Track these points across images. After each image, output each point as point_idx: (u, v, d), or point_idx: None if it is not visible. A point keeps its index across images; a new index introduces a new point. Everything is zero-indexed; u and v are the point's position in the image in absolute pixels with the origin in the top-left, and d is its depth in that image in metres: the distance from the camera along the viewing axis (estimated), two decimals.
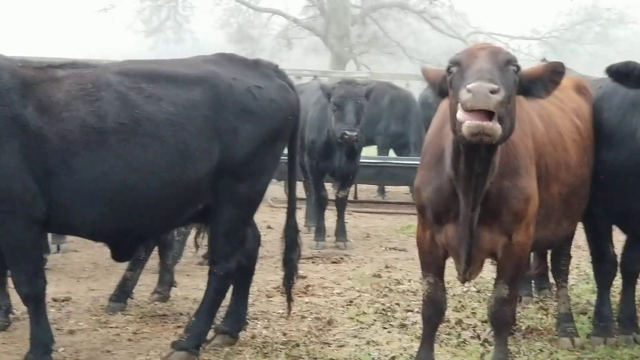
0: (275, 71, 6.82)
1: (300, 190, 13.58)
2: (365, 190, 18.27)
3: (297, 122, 6.92)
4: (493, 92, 4.75)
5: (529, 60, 32.04)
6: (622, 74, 6.57)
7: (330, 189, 12.80)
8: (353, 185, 14.74)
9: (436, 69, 5.63)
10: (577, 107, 6.91)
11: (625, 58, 6.72)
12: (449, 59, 5.25)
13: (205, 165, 6.26)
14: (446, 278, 6.12)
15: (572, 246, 7.61)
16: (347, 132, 10.89)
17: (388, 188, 18.02)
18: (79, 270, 9.76)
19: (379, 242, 12.32)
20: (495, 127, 4.78)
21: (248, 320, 7.25)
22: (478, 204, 5.46)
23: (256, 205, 6.77)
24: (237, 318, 6.99)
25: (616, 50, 38.38)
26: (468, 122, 4.77)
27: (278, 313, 7.84)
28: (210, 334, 6.83)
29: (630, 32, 45.24)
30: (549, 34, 44.90)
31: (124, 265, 8.01)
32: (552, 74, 5.38)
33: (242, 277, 6.94)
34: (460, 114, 4.83)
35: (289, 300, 7.20)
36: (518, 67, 5.19)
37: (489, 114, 4.77)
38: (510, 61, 5.13)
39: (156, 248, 8.38)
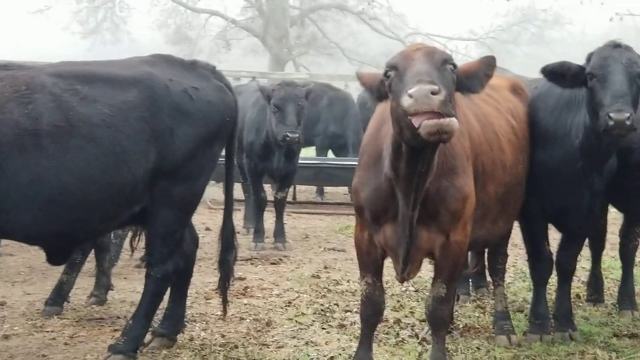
0: (212, 72, 6.77)
1: (239, 192, 13.59)
2: (304, 191, 18.26)
3: (235, 124, 6.87)
4: (434, 93, 4.74)
5: (467, 61, 32.27)
6: (557, 74, 6.66)
7: (269, 190, 12.77)
8: (292, 187, 14.77)
9: (371, 73, 5.62)
10: (513, 108, 6.98)
11: (561, 59, 6.82)
12: (386, 63, 5.23)
13: (141, 167, 6.18)
14: (385, 278, 6.15)
15: (509, 245, 7.70)
16: (288, 134, 10.85)
17: (327, 189, 18.04)
18: (14, 274, 9.60)
19: (318, 243, 12.32)
20: (452, 122, 4.76)
21: (186, 323, 7.21)
22: (418, 203, 5.49)
23: (194, 207, 6.72)
24: (175, 320, 6.94)
25: (552, 51, 38.92)
26: (425, 122, 4.73)
27: (216, 315, 7.79)
28: (148, 337, 6.76)
29: (566, 33, 45.90)
30: (486, 34, 45.44)
31: (60, 268, 7.90)
32: (486, 68, 5.46)
33: (180, 279, 6.88)
34: (414, 120, 4.79)
35: (225, 302, 7.16)
36: (454, 65, 5.22)
37: (437, 114, 4.78)
38: (447, 60, 5.15)
39: (93, 251, 8.27)
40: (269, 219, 12.27)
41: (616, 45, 6.50)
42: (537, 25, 45.33)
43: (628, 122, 6.15)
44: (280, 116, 11.01)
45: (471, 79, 5.39)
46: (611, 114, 6.16)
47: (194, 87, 6.48)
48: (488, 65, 5.47)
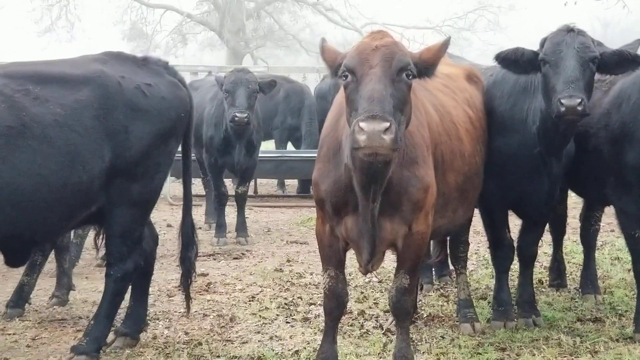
0: (165, 68, 6.71)
1: (199, 188, 13.54)
2: (265, 184, 18.25)
3: (190, 119, 6.82)
4: (386, 130, 4.81)
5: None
6: (511, 60, 6.67)
7: (229, 184, 12.72)
8: (252, 180, 14.74)
9: (334, 50, 5.61)
10: (469, 97, 6.99)
11: (517, 45, 6.82)
12: (344, 63, 5.24)
13: (96, 167, 6.11)
14: (348, 269, 6.12)
15: (471, 232, 7.72)
16: (237, 114, 10.84)
17: (288, 181, 18.03)
18: None
19: (280, 236, 12.30)
20: (388, 150, 4.87)
21: (149, 321, 7.16)
22: (378, 195, 5.48)
23: (151, 204, 6.66)
24: (137, 319, 6.88)
25: (508, 38, 39.06)
26: (362, 152, 4.92)
27: (180, 312, 7.74)
28: (111, 336, 6.71)
29: (521, 19, 46.07)
30: (442, 22, 45.43)
31: (21, 270, 7.81)
32: (442, 53, 5.47)
33: (141, 277, 6.83)
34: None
35: (188, 298, 7.15)
36: (411, 72, 5.19)
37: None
38: (403, 68, 5.15)
39: (53, 252, 8.18)
40: (230, 214, 12.23)
41: (569, 30, 6.50)
42: (493, 12, 45.44)
43: (579, 108, 6.18)
44: (231, 100, 11.02)
45: (429, 68, 5.39)
46: (562, 100, 6.19)
47: (147, 83, 6.42)
48: (444, 50, 5.49)
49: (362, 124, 4.84)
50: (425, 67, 5.36)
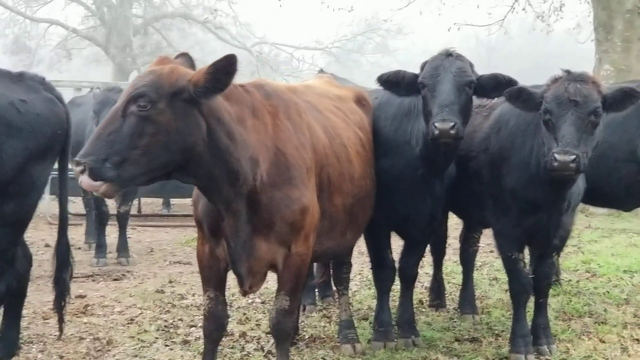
0: (41, 84, 6.54)
1: (80, 206, 13.24)
2: (150, 203, 17.99)
3: (67, 136, 6.65)
4: (82, 171, 5.02)
5: (314, 70, 32.60)
6: (392, 82, 6.73)
7: (111, 203, 12.48)
8: (136, 199, 14.51)
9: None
10: (359, 119, 6.99)
11: (405, 67, 6.87)
12: None
13: None
14: (231, 290, 6.04)
15: (355, 253, 7.72)
16: None
17: (174, 200, 17.83)
18: None
19: (163, 257, 12.13)
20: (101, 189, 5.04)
21: (22, 345, 6.96)
22: (228, 215, 5.48)
23: (25, 223, 6.47)
24: (9, 343, 6.69)
25: (396, 60, 39.68)
26: None
27: (55, 335, 7.50)
28: None
29: (409, 42, 46.79)
30: (331, 44, 45.84)
31: None
32: (215, 75, 5.14)
33: (13, 299, 6.63)
34: None
35: (61, 321, 6.97)
36: (146, 104, 5.01)
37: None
38: (130, 102, 5.04)
39: None
40: (112, 234, 12.00)
41: (448, 54, 6.60)
42: (381, 35, 46.09)
43: (452, 131, 6.26)
44: (98, 122, 10.80)
45: (200, 90, 5.10)
46: (436, 124, 6.27)
47: (22, 99, 6.24)
48: (214, 71, 5.14)
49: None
50: (196, 90, 5.10)
